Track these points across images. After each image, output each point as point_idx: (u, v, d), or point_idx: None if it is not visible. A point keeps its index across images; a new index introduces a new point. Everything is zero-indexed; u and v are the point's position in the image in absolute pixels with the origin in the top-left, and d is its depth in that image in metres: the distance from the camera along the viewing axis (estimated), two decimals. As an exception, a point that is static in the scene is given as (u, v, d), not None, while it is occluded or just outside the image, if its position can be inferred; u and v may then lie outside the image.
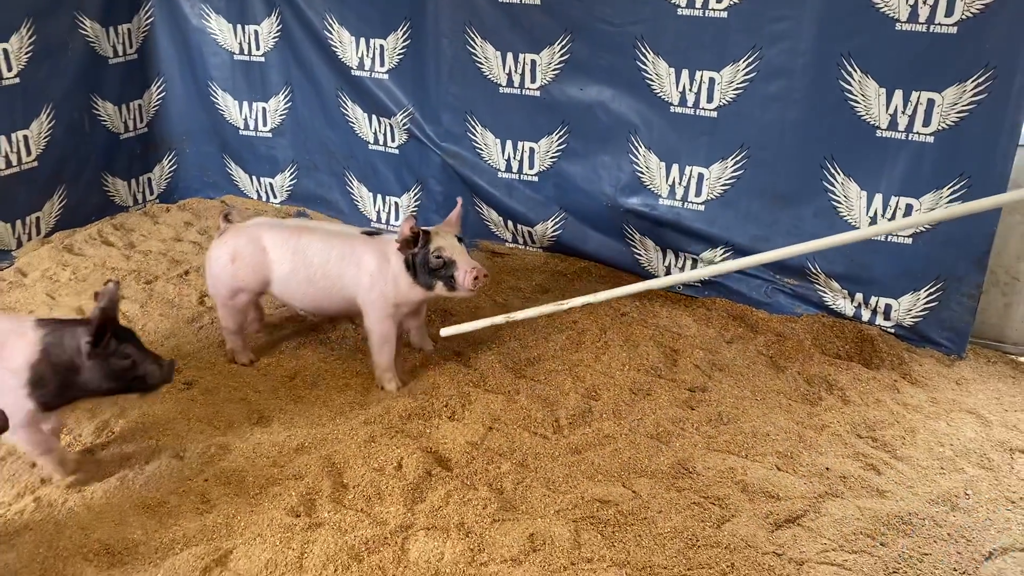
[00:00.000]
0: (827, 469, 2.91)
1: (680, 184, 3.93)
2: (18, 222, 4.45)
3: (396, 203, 4.72)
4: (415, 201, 4.65)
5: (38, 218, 4.56)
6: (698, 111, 3.78)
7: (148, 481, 2.82)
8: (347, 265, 3.29)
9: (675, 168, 3.92)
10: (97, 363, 2.57)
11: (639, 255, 4.19)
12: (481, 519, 2.64)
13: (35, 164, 4.45)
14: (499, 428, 3.12)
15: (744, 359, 3.59)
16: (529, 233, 4.41)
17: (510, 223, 4.43)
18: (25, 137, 4.38)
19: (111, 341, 2.56)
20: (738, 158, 3.77)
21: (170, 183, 5.29)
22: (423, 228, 3.18)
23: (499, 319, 2.94)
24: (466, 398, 3.30)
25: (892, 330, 3.69)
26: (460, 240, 3.23)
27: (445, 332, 2.92)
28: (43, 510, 2.68)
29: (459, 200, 3.38)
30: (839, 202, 3.62)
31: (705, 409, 3.25)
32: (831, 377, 3.44)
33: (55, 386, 2.58)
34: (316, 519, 2.64)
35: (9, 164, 4.32)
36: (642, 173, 4.00)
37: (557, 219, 4.30)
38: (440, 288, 3.19)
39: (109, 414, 3.14)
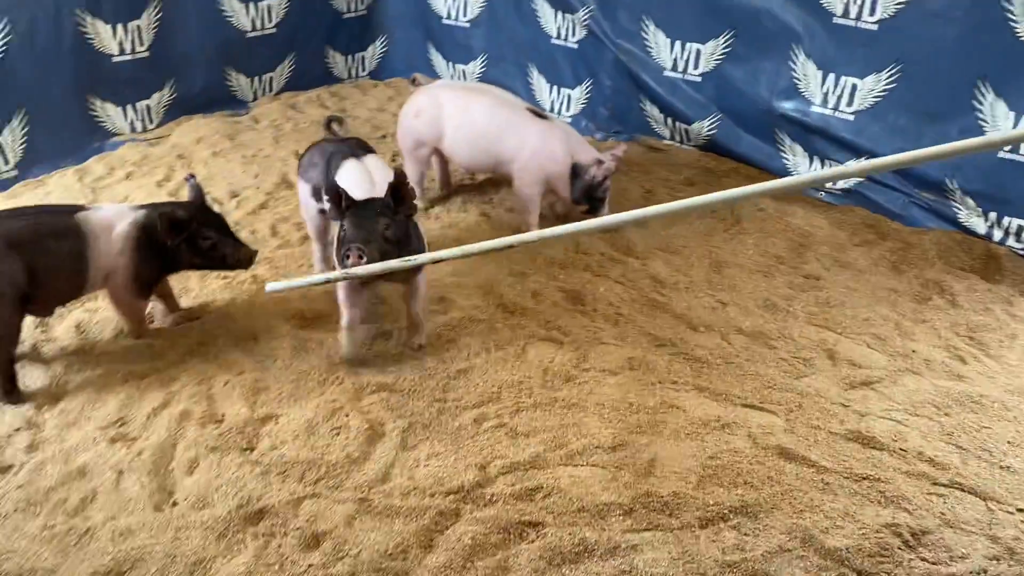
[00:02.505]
0: (914, 352, 3.17)
1: (833, 93, 4.14)
2: (256, 78, 5.34)
3: (569, 95, 5.18)
4: (586, 94, 5.09)
5: (271, 77, 5.43)
6: (859, 23, 3.96)
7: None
8: (509, 134, 3.80)
9: (831, 77, 4.12)
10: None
11: (786, 159, 4.45)
12: (592, 340, 3.16)
13: (274, 31, 5.30)
14: (626, 283, 3.59)
15: (866, 260, 3.82)
16: (686, 131, 4.75)
17: (669, 120, 4.79)
18: (268, 7, 5.21)
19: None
20: (892, 72, 3.93)
21: (380, 62, 6.04)
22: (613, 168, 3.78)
23: (334, 275, 2.67)
24: (606, 259, 3.78)
25: (1022, 251, 3.79)
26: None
27: (270, 288, 2.57)
28: (256, 287, 3.46)
29: (624, 145, 3.90)
30: (985, 121, 3.72)
31: (815, 293, 3.56)
32: (946, 283, 3.62)
33: None
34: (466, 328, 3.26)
35: (254, 27, 5.18)
36: (799, 80, 4.24)
37: (714, 119, 4.62)
38: (582, 205, 3.86)
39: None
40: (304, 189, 3.35)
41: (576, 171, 3.75)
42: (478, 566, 2.21)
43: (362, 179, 3.02)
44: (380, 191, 2.83)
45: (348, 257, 2.60)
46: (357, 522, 2.33)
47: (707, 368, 3.06)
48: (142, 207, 3.01)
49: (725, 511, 2.41)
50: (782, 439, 2.70)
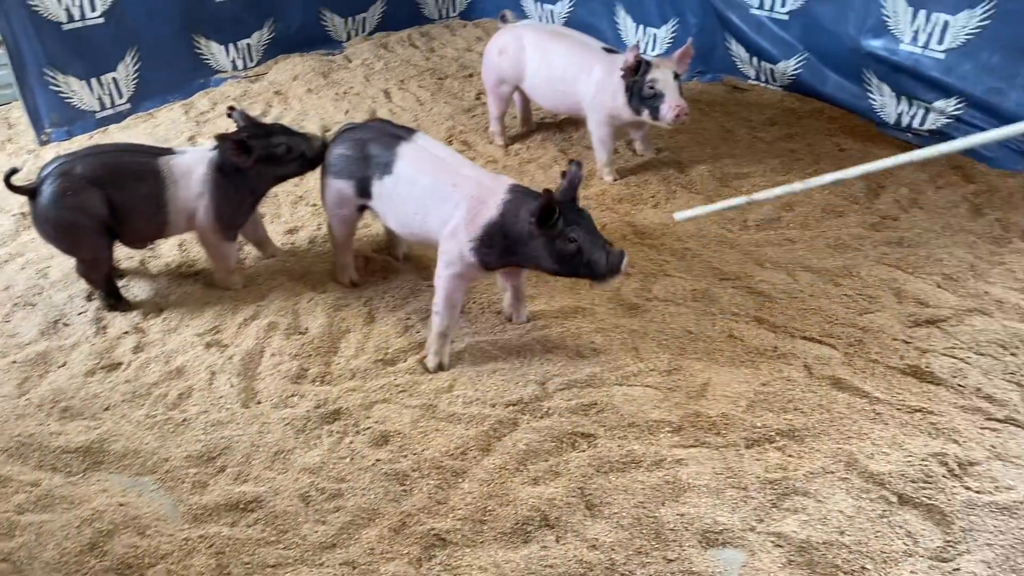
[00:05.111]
0: (986, 293, 3.14)
1: (924, 31, 4.02)
2: (349, 19, 5.53)
3: (655, 34, 5.17)
4: (672, 33, 5.07)
5: (364, 18, 5.61)
6: (954, -43, 3.83)
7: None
8: (580, 73, 3.83)
9: (921, 14, 4.00)
10: (543, 242, 2.54)
11: (873, 100, 4.36)
12: (657, 272, 3.26)
13: (367, -27, 5.47)
14: (693, 220, 3.64)
15: (947, 202, 3.75)
16: (771, 71, 4.70)
17: (755, 60, 4.74)
18: (362, -51, 5.38)
19: (559, 222, 2.50)
20: (987, 7, 3.79)
21: (470, 2, 6.13)
22: (645, 59, 3.60)
23: (739, 200, 2.83)
24: (671, 195, 3.84)
25: (1116, 197, 3.65)
26: (676, 77, 3.56)
27: (679, 216, 3.01)
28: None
29: (690, 40, 3.77)
30: (1085, 58, 3.58)
31: (888, 233, 3.53)
32: (1030, 228, 3.54)
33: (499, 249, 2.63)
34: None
35: (348, -30, 5.37)
36: (888, 17, 4.13)
37: (800, 58, 4.55)
38: (646, 115, 3.61)
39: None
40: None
41: (627, 86, 3.61)
42: (530, 468, 2.38)
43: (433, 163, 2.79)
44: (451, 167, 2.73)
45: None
46: (423, 425, 2.53)
47: (770, 302, 3.11)
48: (215, 147, 2.98)
49: (772, 433, 2.50)
50: (838, 371, 2.75)
